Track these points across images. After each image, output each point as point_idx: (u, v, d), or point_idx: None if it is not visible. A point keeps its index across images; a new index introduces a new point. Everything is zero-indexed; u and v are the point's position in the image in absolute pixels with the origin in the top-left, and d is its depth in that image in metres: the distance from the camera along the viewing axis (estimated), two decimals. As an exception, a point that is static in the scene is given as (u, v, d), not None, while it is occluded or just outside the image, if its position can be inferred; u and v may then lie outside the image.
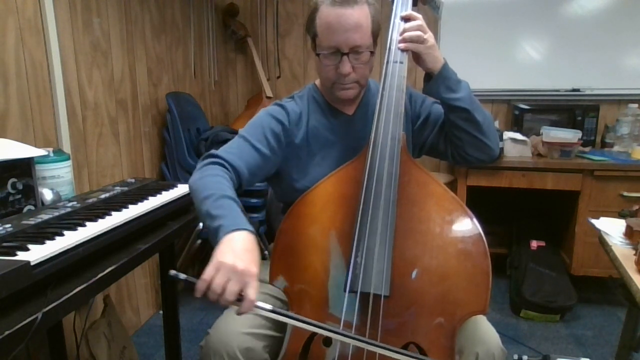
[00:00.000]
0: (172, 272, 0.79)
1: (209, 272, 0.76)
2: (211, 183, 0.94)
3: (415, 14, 1.05)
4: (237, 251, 0.79)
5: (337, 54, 1.03)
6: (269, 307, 0.78)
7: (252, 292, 0.76)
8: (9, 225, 0.90)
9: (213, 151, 1.03)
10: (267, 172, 1.12)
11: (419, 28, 1.02)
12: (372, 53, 1.06)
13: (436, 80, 1.06)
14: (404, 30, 1.03)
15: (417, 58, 1.06)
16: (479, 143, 1.11)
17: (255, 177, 1.08)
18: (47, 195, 1.15)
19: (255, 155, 1.06)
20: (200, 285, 0.76)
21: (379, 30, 1.08)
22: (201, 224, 2.20)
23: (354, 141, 1.13)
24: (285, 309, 0.90)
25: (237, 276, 0.76)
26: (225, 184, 0.95)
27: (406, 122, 1.17)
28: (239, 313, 0.78)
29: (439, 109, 1.17)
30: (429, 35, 1.03)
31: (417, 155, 1.24)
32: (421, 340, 0.85)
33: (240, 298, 0.76)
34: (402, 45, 1.03)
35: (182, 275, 0.78)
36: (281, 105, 1.15)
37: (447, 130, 1.14)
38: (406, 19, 1.04)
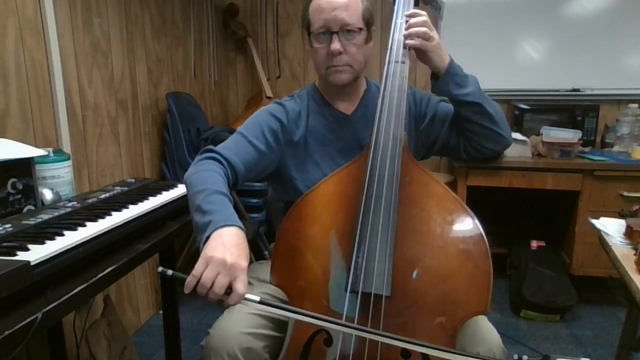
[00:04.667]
0: (160, 268, 0.79)
1: (198, 267, 0.77)
2: (205, 178, 0.95)
3: (419, 11, 1.06)
4: (226, 245, 0.79)
5: (328, 34, 1.05)
6: (257, 298, 0.77)
7: (241, 286, 0.77)
8: (9, 225, 0.90)
9: (210, 146, 1.04)
10: (264, 168, 1.12)
11: (424, 24, 1.03)
12: (364, 37, 1.08)
13: (444, 78, 1.07)
14: (410, 26, 1.03)
15: (423, 56, 1.06)
16: (494, 135, 1.12)
17: (251, 173, 1.09)
18: (47, 195, 1.15)
19: (251, 151, 1.07)
20: (190, 280, 0.77)
21: (370, 19, 1.09)
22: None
23: (352, 141, 1.14)
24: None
25: (226, 270, 0.76)
26: (219, 179, 0.96)
27: (409, 123, 1.18)
28: (226, 306, 0.78)
29: (445, 106, 1.18)
30: (434, 33, 1.04)
31: (425, 155, 1.25)
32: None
33: (228, 292, 0.76)
34: (409, 41, 1.03)
35: (170, 272, 0.78)
36: (280, 104, 1.16)
37: (460, 126, 1.15)
38: (411, 17, 1.05)
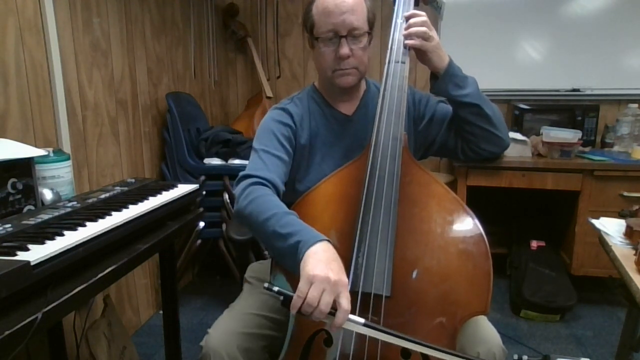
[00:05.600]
0: (266, 284, 0.78)
1: (302, 287, 0.76)
2: (265, 203, 0.92)
3: (418, 12, 1.06)
4: (324, 262, 0.78)
5: (336, 38, 1.04)
6: (361, 320, 0.76)
7: (345, 302, 0.76)
8: (9, 225, 0.90)
9: (244, 172, 1.02)
10: (288, 176, 1.11)
11: (423, 24, 1.03)
12: (369, 39, 1.08)
13: (443, 79, 1.07)
14: (409, 25, 1.03)
15: (422, 57, 1.06)
16: (491, 136, 1.12)
17: (283, 185, 1.07)
18: (47, 195, 1.15)
19: (280, 164, 1.06)
20: (296, 301, 0.76)
21: (374, 20, 1.09)
22: (202, 224, 2.22)
23: (353, 141, 1.14)
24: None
25: (330, 286, 0.75)
26: (278, 201, 0.94)
27: (408, 123, 1.18)
28: (333, 327, 0.76)
29: (444, 107, 1.18)
30: (433, 33, 1.04)
31: (423, 155, 1.25)
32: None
33: (332, 312, 0.76)
34: (408, 41, 1.03)
35: (276, 288, 0.77)
36: (283, 109, 1.14)
37: (458, 127, 1.15)
38: (410, 17, 1.05)
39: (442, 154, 1.24)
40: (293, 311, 0.76)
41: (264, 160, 1.04)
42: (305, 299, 0.75)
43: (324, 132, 1.15)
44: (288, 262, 0.85)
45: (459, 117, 1.12)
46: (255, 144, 1.09)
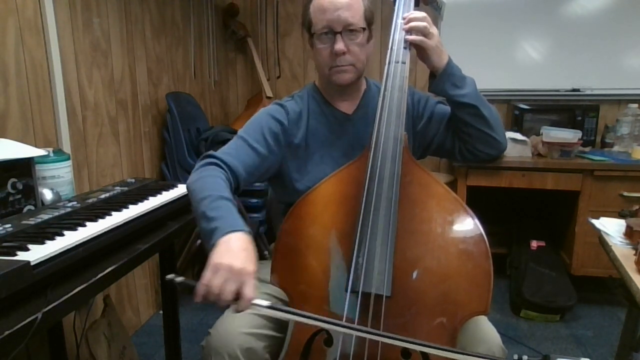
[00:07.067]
0: (169, 276, 0.78)
1: (206, 275, 0.76)
2: (208, 184, 0.94)
3: (418, 12, 1.06)
4: (233, 251, 0.79)
5: (331, 34, 1.05)
6: (266, 303, 0.77)
7: (249, 291, 0.76)
8: (9, 225, 0.90)
9: (211, 152, 1.03)
10: (265, 171, 1.12)
11: (424, 19, 1.03)
12: (366, 36, 1.08)
13: (441, 78, 1.07)
14: (409, 20, 1.03)
15: (422, 54, 1.06)
16: (488, 138, 1.12)
17: (253, 177, 1.08)
18: (47, 195, 1.15)
19: (252, 155, 1.06)
20: (200, 289, 0.76)
21: (372, 18, 1.10)
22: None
23: (352, 141, 1.14)
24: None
25: (234, 275, 0.76)
26: (222, 184, 0.95)
27: (407, 122, 1.18)
28: (236, 311, 0.77)
29: (442, 108, 1.18)
30: (434, 30, 1.04)
31: (422, 155, 1.25)
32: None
33: (237, 297, 0.76)
34: (409, 36, 1.03)
35: (179, 279, 0.78)
36: (281, 105, 1.15)
37: (455, 127, 1.15)
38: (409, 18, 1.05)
39: (439, 154, 1.24)
40: (196, 299, 0.76)
41: (237, 147, 1.06)
42: (208, 287, 0.75)
43: (323, 131, 1.15)
44: (207, 246, 0.85)
45: (456, 117, 1.12)
46: (240, 130, 1.11)
